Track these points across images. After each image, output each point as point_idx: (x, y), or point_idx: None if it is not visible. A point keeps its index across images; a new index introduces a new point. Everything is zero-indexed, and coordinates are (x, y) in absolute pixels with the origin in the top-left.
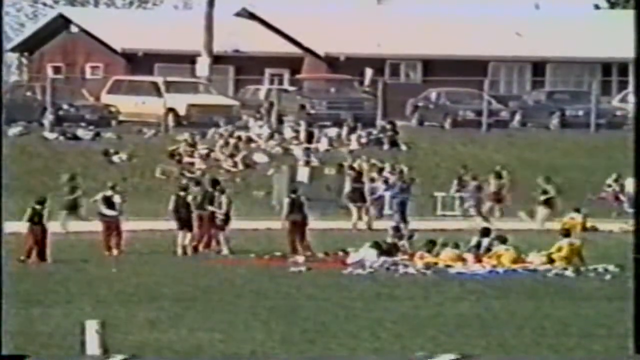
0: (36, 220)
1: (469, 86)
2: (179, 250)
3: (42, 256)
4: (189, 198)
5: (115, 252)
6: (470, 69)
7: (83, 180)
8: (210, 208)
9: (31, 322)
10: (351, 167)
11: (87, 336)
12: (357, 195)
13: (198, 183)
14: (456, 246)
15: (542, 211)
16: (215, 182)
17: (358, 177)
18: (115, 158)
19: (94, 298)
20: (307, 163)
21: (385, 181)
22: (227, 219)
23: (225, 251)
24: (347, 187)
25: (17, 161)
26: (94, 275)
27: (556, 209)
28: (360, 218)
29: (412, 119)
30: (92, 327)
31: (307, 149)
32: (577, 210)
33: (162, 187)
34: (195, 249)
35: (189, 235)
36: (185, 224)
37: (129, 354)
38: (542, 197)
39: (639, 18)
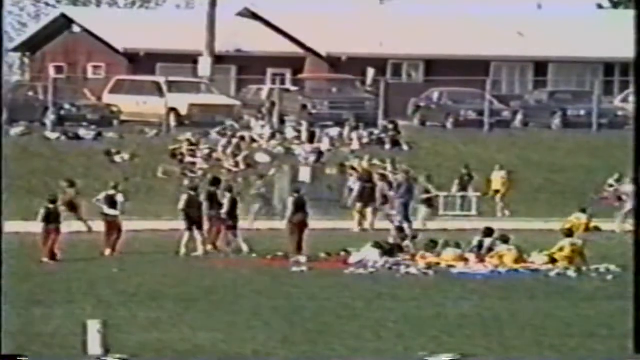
0: (51, 219)
1: (471, 86)
2: (182, 250)
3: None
4: (201, 198)
5: (108, 251)
6: (473, 69)
7: (85, 180)
8: (222, 213)
9: (33, 322)
10: (353, 168)
11: (88, 336)
12: (367, 196)
13: (196, 188)
14: (458, 246)
15: (422, 210)
16: (216, 181)
17: (368, 177)
18: (117, 158)
19: (95, 298)
20: (317, 161)
21: (389, 182)
22: (234, 218)
23: (233, 249)
24: (355, 187)
25: (19, 161)
26: (96, 275)
27: (436, 207)
28: (365, 218)
29: (414, 119)
30: (93, 327)
31: (318, 150)
32: (583, 211)
33: (164, 187)
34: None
35: (198, 235)
36: (194, 223)
37: (130, 353)
38: (424, 196)
39: (639, 18)
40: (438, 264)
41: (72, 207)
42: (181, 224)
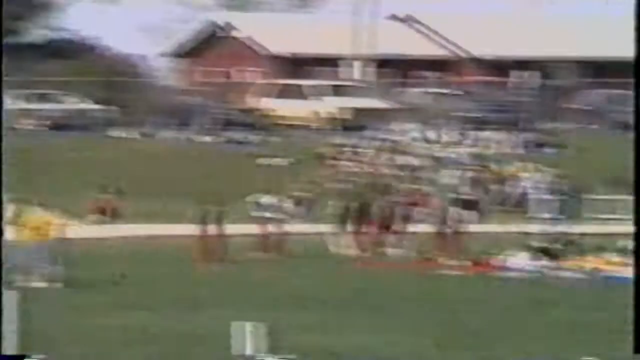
0: (211, 222)
1: (624, 88)
2: (338, 253)
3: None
4: (357, 202)
5: (265, 254)
6: (629, 71)
7: (237, 184)
8: (379, 216)
9: (191, 325)
10: (500, 172)
11: (247, 338)
12: (507, 199)
13: (351, 192)
14: (614, 250)
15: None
16: (376, 186)
17: (505, 181)
18: (269, 161)
19: (255, 301)
20: (463, 166)
21: (538, 185)
22: (391, 222)
23: (393, 253)
24: (499, 190)
25: (174, 166)
26: (254, 278)
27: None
28: (509, 222)
29: (568, 121)
30: (250, 329)
31: (473, 153)
32: None
33: (316, 191)
34: (363, 252)
35: (353, 238)
36: (351, 227)
37: (293, 356)
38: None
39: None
40: (596, 268)
41: (103, 211)
42: (335, 228)
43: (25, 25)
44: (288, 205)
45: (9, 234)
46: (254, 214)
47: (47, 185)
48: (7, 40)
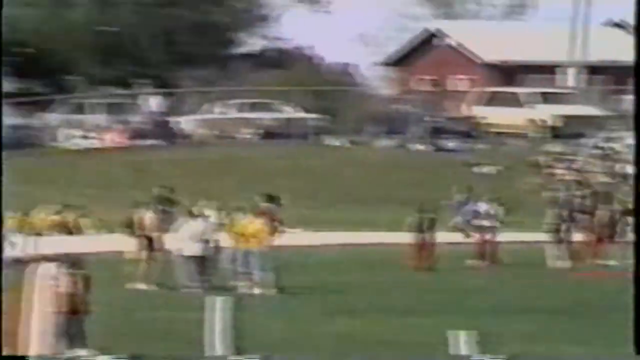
0: (424, 229)
1: None
2: (558, 261)
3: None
4: (572, 210)
5: (484, 263)
6: None
7: (448, 190)
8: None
9: (402, 331)
10: None
11: (460, 346)
12: None
13: (564, 201)
14: None
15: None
16: (592, 195)
17: None
18: (483, 169)
19: (465, 308)
20: None
21: None
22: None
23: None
24: None
25: (390, 173)
26: (466, 285)
27: None
28: None
29: None
30: (463, 338)
31: None
32: None
33: (528, 199)
34: (578, 261)
35: (565, 247)
36: (563, 235)
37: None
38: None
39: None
40: None
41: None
42: (544, 236)
43: (241, 36)
44: (501, 213)
45: (224, 240)
46: (471, 222)
47: (254, 193)
48: (225, 52)
